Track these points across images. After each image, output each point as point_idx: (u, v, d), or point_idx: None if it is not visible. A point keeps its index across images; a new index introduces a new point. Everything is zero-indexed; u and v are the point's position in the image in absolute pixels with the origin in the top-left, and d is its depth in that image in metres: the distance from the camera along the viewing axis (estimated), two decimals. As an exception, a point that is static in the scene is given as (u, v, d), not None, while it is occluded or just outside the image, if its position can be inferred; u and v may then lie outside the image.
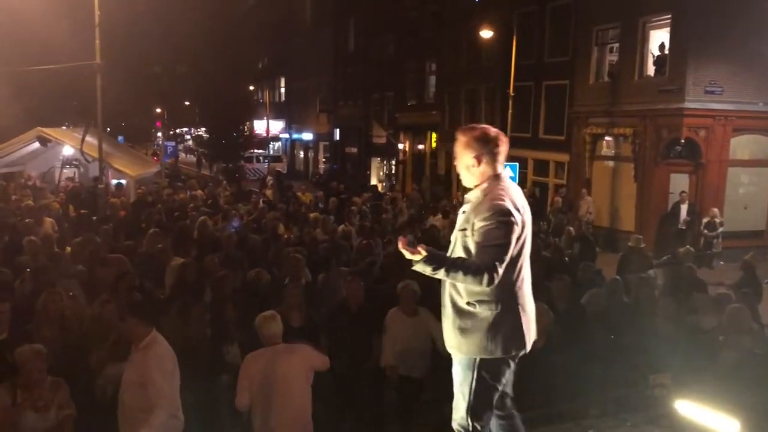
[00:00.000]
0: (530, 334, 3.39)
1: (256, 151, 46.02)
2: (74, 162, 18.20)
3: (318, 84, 41.75)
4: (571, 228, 14.56)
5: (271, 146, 49.36)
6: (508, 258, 3.18)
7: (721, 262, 16.43)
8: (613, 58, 20.10)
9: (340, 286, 7.44)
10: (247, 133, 39.52)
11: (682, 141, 17.50)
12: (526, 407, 5.12)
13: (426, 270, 3.15)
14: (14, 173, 18.51)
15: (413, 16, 31.34)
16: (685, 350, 5.48)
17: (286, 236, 10.34)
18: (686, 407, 4.19)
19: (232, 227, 11.75)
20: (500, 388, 3.43)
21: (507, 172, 3.63)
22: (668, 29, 17.85)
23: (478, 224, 3.20)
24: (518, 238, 3.26)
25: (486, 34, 22.07)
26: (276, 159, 46.70)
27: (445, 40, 28.31)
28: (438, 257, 3.18)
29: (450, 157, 28.67)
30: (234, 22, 38.58)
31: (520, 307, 3.33)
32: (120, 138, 44.45)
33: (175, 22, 30.17)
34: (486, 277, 3.11)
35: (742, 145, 18.16)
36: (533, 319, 3.42)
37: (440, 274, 3.17)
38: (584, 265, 8.27)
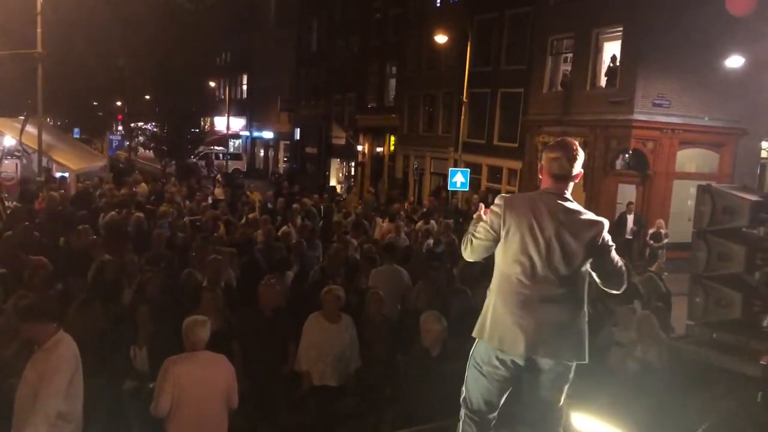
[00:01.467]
0: (506, 333, 3.30)
1: (215, 148, 45.45)
2: (15, 153, 17.64)
3: (280, 83, 41.44)
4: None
5: (231, 143, 48.83)
6: (484, 237, 3.40)
7: (665, 273, 16.67)
8: (567, 68, 20.31)
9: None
10: (201, 129, 38.91)
11: (630, 152, 17.75)
12: (422, 419, 5.08)
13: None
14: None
15: (377, 19, 31.34)
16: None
17: (217, 235, 10.08)
18: (581, 421, 4.16)
19: (166, 225, 11.49)
20: (487, 379, 3.41)
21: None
22: (620, 41, 18.09)
23: None
24: (509, 234, 3.33)
25: (441, 39, 22.12)
26: (236, 156, 46.14)
27: (407, 44, 28.35)
28: (475, 220, 3.56)
29: (407, 161, 28.74)
30: (197, 15, 38.01)
31: (500, 301, 3.36)
32: (76, 130, 43.42)
33: (136, 13, 29.52)
34: (464, 248, 3.56)
35: (688, 158, 18.50)
36: (519, 324, 3.27)
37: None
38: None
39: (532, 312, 3.27)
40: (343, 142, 32.44)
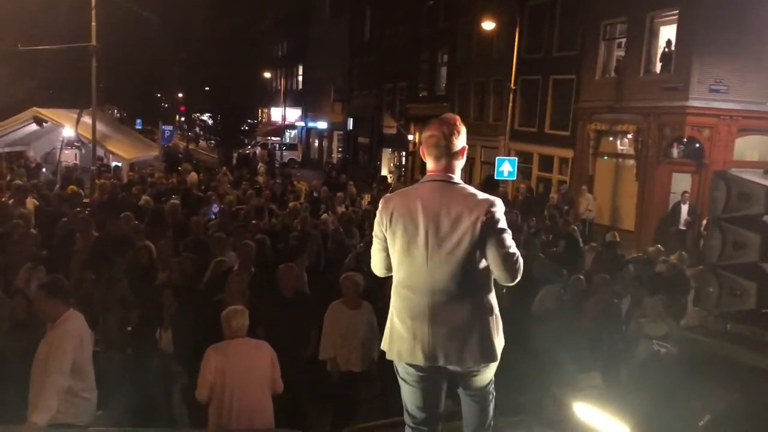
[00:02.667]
0: (402, 345, 3.05)
1: (272, 138, 46.15)
2: (75, 143, 18.37)
3: (334, 73, 41.70)
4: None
5: (287, 134, 49.45)
6: (374, 247, 3.19)
7: None
8: (621, 53, 19.73)
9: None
10: (258, 120, 39.58)
11: (685, 140, 17.13)
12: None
13: None
14: (16, 153, 18.75)
15: (428, 6, 31.14)
16: (607, 352, 5.37)
17: (255, 223, 10.27)
18: (583, 410, 4.09)
19: (211, 213, 11.78)
20: (406, 391, 3.19)
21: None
22: (675, 25, 17.45)
23: None
24: (391, 237, 3.05)
25: (488, 25, 21.81)
26: (291, 147, 46.79)
27: (458, 32, 28.07)
28: None
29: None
30: (254, 8, 38.65)
31: (395, 311, 3.12)
32: (138, 121, 44.86)
33: (194, 6, 30.29)
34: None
35: (748, 146, 17.71)
36: (414, 334, 3.01)
37: None
38: (539, 261, 8.13)
39: (422, 319, 2.98)
40: (394, 131, 32.43)
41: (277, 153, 40.43)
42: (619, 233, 18.19)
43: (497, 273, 2.96)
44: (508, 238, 2.95)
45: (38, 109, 16.79)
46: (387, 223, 3.05)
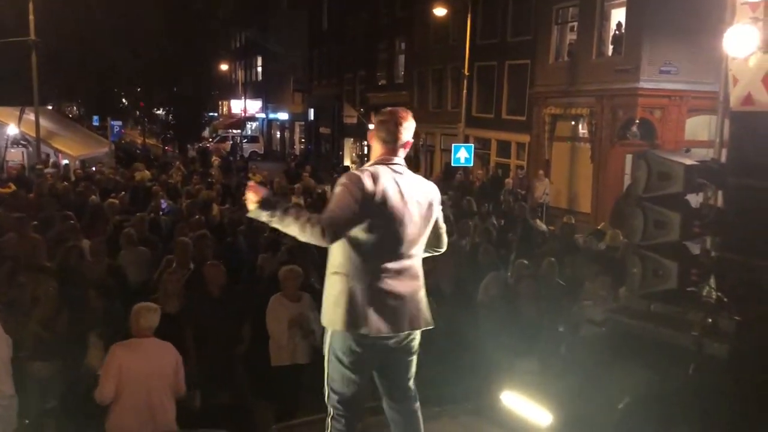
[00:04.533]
0: (388, 318, 3.16)
1: (233, 131, 45.62)
2: (21, 142, 17.85)
3: (294, 64, 41.32)
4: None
5: (248, 126, 48.95)
6: (347, 221, 3.08)
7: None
8: (573, 37, 19.82)
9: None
10: (216, 113, 39.10)
11: (637, 121, 17.30)
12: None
13: (261, 216, 3.08)
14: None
15: (386, -6, 30.98)
16: (547, 337, 5.35)
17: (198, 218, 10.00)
18: (510, 398, 4.04)
19: (162, 209, 11.51)
20: (353, 370, 3.22)
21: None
22: (625, 8, 17.57)
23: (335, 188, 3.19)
24: (376, 215, 3.11)
25: (440, 12, 21.73)
26: (253, 139, 46.35)
27: (414, 19, 27.95)
28: (272, 203, 3.09)
29: (418, 138, 28.52)
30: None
31: (373, 287, 3.16)
32: (95, 118, 43.93)
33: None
34: (318, 229, 2.99)
35: (699, 126, 17.95)
36: (398, 305, 3.19)
37: (274, 222, 3.08)
38: (484, 248, 8.09)
39: (396, 288, 3.20)
40: (355, 121, 32.24)
41: (239, 146, 39.92)
42: (576, 216, 18.44)
43: (440, 243, 3.48)
44: (442, 215, 3.46)
45: (-23, 108, 16.30)
46: (377, 199, 3.12)
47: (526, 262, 7.43)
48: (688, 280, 4.00)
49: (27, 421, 5.81)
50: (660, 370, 3.72)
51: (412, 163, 27.31)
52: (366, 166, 3.31)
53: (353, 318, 3.13)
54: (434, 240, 3.42)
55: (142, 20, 29.92)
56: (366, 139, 24.80)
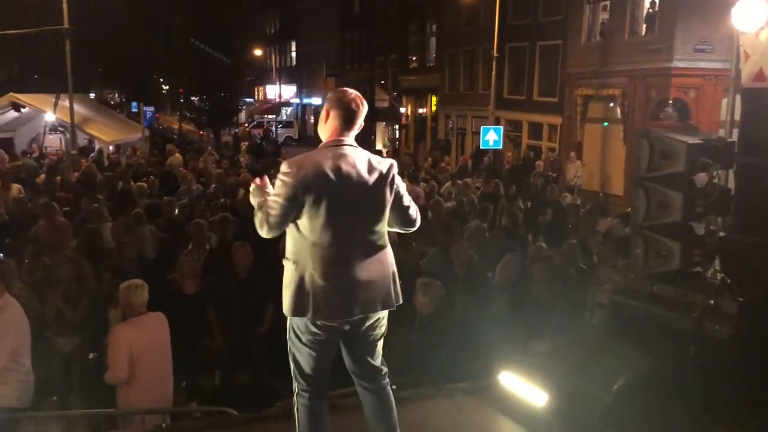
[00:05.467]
0: (334, 304, 3.13)
1: (268, 116, 45.90)
2: (59, 128, 18.28)
3: (327, 48, 41.32)
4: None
5: (283, 111, 49.19)
6: (281, 211, 3.10)
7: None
8: (606, 16, 19.41)
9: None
10: (253, 99, 39.37)
11: (671, 102, 16.89)
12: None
13: (253, 202, 3.28)
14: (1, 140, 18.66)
15: (416, -24, 30.70)
16: (559, 318, 5.32)
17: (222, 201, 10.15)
18: (508, 379, 4.04)
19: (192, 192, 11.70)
20: (310, 349, 3.21)
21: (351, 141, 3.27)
22: (659, -16, 17.14)
23: None
24: (313, 201, 3.08)
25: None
26: (288, 124, 46.56)
27: (445, 1, 27.66)
28: (259, 193, 3.26)
29: (449, 121, 28.37)
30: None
31: (319, 273, 3.13)
32: (134, 104, 44.70)
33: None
34: (258, 221, 3.17)
35: (735, 106, 17.43)
36: (347, 290, 3.14)
37: (256, 210, 3.23)
38: (493, 231, 8.06)
39: (353, 272, 3.14)
40: (386, 104, 32.18)
41: (272, 131, 40.15)
42: (608, 198, 18.20)
43: (410, 219, 3.36)
44: (405, 191, 3.32)
45: (15, 95, 16.67)
46: (303, 185, 3.07)
47: (543, 245, 7.37)
48: (692, 260, 3.93)
49: (54, 398, 6.07)
50: (660, 351, 3.68)
51: (443, 147, 27.23)
52: (313, 151, 3.25)
53: (299, 305, 3.13)
54: (398, 218, 3.31)
55: (173, 7, 30.26)
56: (398, 122, 24.77)
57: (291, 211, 3.10)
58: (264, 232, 3.18)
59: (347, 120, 3.21)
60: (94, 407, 5.16)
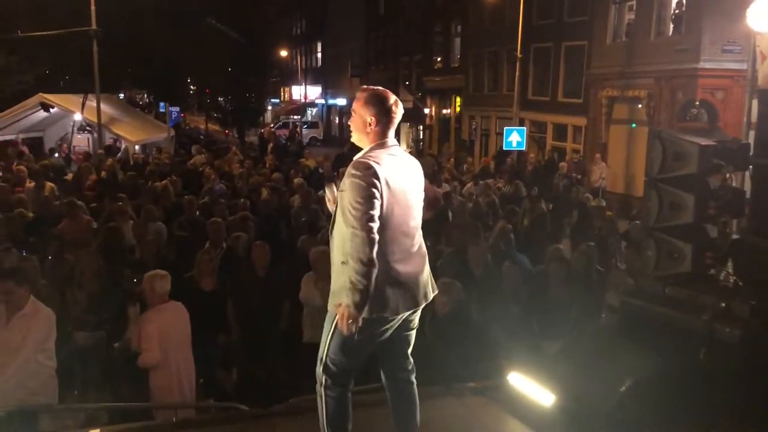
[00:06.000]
0: (405, 297, 3.25)
1: (294, 117, 46.15)
2: (87, 128, 18.61)
3: (352, 49, 41.47)
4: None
5: (308, 112, 49.43)
6: (375, 210, 3.09)
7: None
8: (632, 16, 19.20)
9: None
10: (279, 99, 39.64)
11: (697, 103, 16.60)
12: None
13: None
14: (31, 139, 19.07)
15: (442, -24, 30.69)
16: (576, 319, 5.30)
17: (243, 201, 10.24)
18: (516, 379, 4.04)
19: (215, 192, 11.82)
20: (361, 346, 3.28)
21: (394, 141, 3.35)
22: (686, -16, 16.91)
23: (346, 181, 3.13)
24: (387, 200, 3.14)
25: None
26: (313, 125, 46.78)
27: (470, 1, 27.60)
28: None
29: (473, 122, 28.28)
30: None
31: (389, 270, 3.19)
32: (161, 104, 45.36)
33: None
34: (360, 235, 3.03)
35: (765, 107, 17.13)
36: (412, 283, 3.28)
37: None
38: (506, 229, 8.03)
39: (408, 267, 3.28)
40: (410, 105, 32.15)
41: (297, 132, 40.36)
42: (633, 201, 18.00)
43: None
44: None
45: (44, 95, 17.02)
46: (382, 189, 3.12)
47: (561, 246, 7.33)
48: (704, 263, 3.89)
49: (75, 392, 6.20)
50: (670, 353, 3.65)
51: (467, 148, 27.17)
52: (367, 152, 3.23)
53: (376, 302, 3.14)
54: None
55: (200, 8, 30.62)
56: (422, 123, 24.66)
57: (378, 206, 3.10)
58: (372, 240, 3.04)
59: (391, 122, 3.28)
60: (116, 401, 5.30)
